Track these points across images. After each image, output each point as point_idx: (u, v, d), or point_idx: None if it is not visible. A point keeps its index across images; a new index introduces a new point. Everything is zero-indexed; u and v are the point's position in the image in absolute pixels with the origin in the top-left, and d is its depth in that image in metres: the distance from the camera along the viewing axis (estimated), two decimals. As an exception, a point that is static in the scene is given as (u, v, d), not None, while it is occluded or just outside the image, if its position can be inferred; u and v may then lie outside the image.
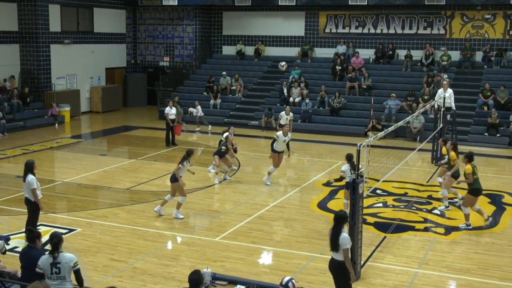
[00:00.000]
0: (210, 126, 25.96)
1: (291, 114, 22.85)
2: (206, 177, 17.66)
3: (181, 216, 13.67)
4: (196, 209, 14.53)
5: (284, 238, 12.50)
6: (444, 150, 15.85)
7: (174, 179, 13.65)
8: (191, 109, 28.90)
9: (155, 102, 32.38)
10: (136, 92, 33.79)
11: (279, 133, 16.91)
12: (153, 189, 16.29)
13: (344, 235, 8.41)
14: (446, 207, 14.55)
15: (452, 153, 14.52)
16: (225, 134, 18.39)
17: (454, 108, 20.74)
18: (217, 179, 17.35)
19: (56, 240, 7.68)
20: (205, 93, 30.44)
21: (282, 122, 22.50)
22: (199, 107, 26.08)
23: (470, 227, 13.07)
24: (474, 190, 12.86)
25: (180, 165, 13.55)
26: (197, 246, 11.94)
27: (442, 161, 15.78)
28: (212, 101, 29.55)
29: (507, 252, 11.84)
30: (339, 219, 8.52)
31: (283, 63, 23.11)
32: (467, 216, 13.05)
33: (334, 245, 8.45)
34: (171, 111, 22.40)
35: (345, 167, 13.28)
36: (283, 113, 22.86)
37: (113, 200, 15.25)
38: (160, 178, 17.58)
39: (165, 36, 33.97)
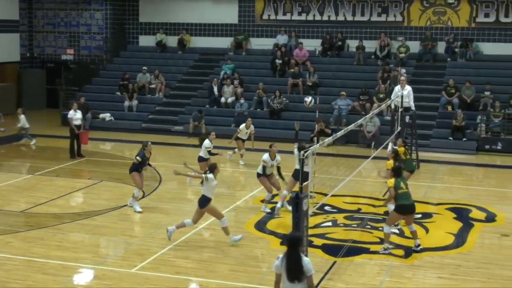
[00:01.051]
0: (34, 140, 25.08)
1: (252, 127, 22.20)
2: (119, 195, 17.46)
3: (239, 236, 13.80)
4: (108, 233, 14.35)
5: (215, 267, 12.48)
6: (401, 150, 16.24)
7: (203, 203, 13.52)
8: (102, 115, 28.66)
9: (56, 104, 31.80)
10: (33, 92, 33.08)
11: (265, 157, 16.14)
12: (55, 211, 15.99)
13: (307, 259, 8.41)
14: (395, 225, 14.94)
15: (390, 162, 14.89)
16: (206, 142, 18.23)
17: (413, 108, 21.26)
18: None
19: None
20: (118, 93, 30.17)
21: (241, 136, 21.99)
22: (22, 116, 24.99)
23: (388, 251, 13.27)
24: (399, 206, 13.20)
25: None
26: (109, 279, 11.78)
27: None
28: (126, 103, 29.29)
29: (475, 276, 12.21)
30: (296, 241, 8.43)
31: (309, 98, 21.03)
32: (386, 236, 13.36)
33: (298, 273, 8.28)
34: (75, 116, 22.09)
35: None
36: (243, 126, 22.07)
37: (4, 225, 14.86)
38: (63, 197, 17.27)
39: (69, 23, 33.51)
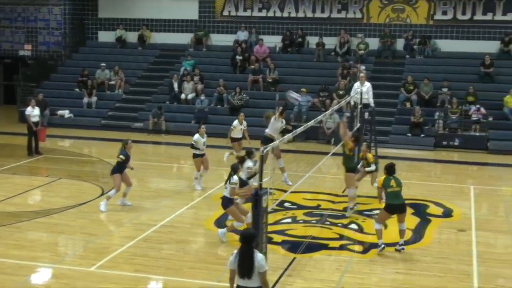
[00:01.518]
0: None
1: (245, 122, 20.40)
2: (78, 193, 17.31)
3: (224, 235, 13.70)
4: (66, 232, 14.20)
5: (175, 265, 12.44)
6: (370, 156, 16.53)
7: (226, 203, 13.49)
8: (60, 111, 28.39)
9: (14, 100, 31.36)
10: (-11, 88, 32.63)
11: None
12: (11, 210, 15.77)
13: (260, 255, 8.48)
14: (351, 208, 15.41)
15: (350, 145, 15.46)
16: (195, 136, 17.81)
17: (372, 104, 21.41)
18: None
19: None
20: (77, 89, 29.87)
21: (235, 135, 20.15)
22: None
23: (382, 247, 13.23)
24: (388, 205, 13.25)
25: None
26: (66, 278, 11.66)
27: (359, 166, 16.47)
28: (85, 99, 29.04)
29: (432, 271, 12.36)
30: (249, 237, 8.53)
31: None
32: (378, 233, 13.35)
33: (249, 270, 8.38)
34: (33, 112, 21.84)
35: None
36: (236, 122, 20.19)
37: (-41, 224, 14.66)
38: (20, 195, 17.04)
39: (26, 19, 33.03)
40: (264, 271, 8.42)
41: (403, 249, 13.24)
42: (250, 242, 8.47)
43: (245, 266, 8.38)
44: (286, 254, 13.00)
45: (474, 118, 25.50)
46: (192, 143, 17.94)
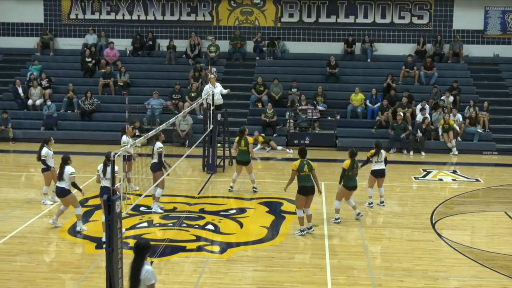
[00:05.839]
0: None
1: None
2: None
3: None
4: None
5: (27, 276, 11.97)
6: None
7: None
8: None
9: None
10: None
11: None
12: None
13: (148, 268, 8.37)
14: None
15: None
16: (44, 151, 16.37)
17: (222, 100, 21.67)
18: None
19: None
20: None
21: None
22: None
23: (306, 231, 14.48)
24: (300, 188, 14.32)
25: None
26: None
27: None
28: None
29: (287, 266, 12.64)
30: (141, 249, 8.42)
31: None
32: (299, 220, 14.61)
33: (133, 283, 8.32)
34: None
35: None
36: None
37: None
38: None
39: None
40: (151, 284, 8.33)
41: (313, 230, 14.64)
42: (142, 254, 8.40)
43: (130, 278, 8.34)
44: (144, 259, 12.85)
45: (315, 117, 26.11)
46: (42, 158, 16.42)
